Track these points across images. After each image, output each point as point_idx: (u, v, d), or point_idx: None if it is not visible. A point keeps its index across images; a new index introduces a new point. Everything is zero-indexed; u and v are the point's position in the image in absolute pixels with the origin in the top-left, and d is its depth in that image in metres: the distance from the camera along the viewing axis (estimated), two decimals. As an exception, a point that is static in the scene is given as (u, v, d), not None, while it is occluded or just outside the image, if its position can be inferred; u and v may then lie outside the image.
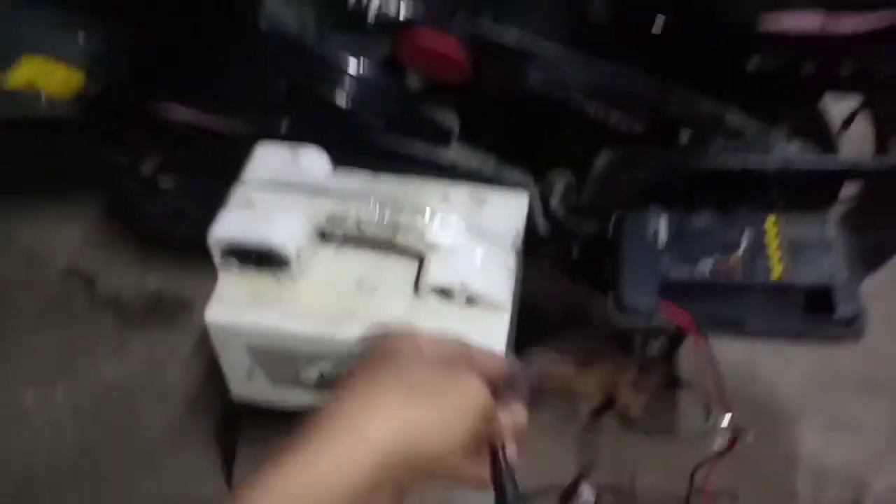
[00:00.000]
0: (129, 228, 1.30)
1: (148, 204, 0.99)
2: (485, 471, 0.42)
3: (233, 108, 0.82)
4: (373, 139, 0.80)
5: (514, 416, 0.44)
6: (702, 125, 0.70)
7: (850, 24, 0.59)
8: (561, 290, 1.04)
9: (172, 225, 1.01)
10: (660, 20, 0.62)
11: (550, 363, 0.43)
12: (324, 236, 0.71)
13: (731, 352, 0.85)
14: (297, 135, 0.77)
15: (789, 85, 0.65)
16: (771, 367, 1.12)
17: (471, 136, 0.82)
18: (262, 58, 0.78)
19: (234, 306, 0.68)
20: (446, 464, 0.38)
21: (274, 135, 0.78)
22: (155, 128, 0.88)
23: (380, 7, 0.71)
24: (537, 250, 0.87)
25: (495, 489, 0.41)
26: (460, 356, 0.43)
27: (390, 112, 0.80)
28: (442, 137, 0.82)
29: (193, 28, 0.79)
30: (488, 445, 0.43)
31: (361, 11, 0.72)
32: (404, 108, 0.81)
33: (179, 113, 0.83)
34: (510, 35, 0.70)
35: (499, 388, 0.43)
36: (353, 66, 0.78)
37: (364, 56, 0.77)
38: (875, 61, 0.61)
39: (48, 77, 0.95)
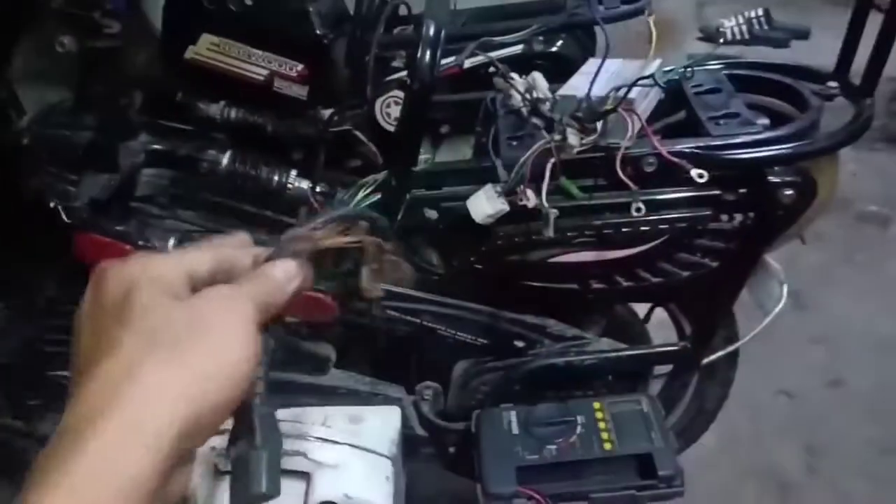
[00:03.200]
0: None
1: None
2: None
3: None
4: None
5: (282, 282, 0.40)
6: (529, 334, 0.87)
7: (616, 254, 0.80)
8: (446, 484, 1.13)
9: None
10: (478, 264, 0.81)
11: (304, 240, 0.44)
12: (218, 470, 0.79)
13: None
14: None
15: (586, 298, 0.84)
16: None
17: (347, 361, 0.96)
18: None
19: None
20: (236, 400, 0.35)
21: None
22: (51, 392, 0.95)
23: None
24: (419, 452, 0.98)
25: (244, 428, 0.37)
26: (208, 273, 0.39)
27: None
28: (321, 366, 0.94)
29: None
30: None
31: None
32: (286, 343, 0.94)
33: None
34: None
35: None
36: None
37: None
38: (638, 278, 0.81)
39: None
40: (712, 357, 0.93)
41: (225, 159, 0.95)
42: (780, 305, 0.91)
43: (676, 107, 0.87)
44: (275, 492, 0.35)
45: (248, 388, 0.36)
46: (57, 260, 0.86)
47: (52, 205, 0.84)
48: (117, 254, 0.84)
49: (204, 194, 0.99)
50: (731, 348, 0.94)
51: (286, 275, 0.40)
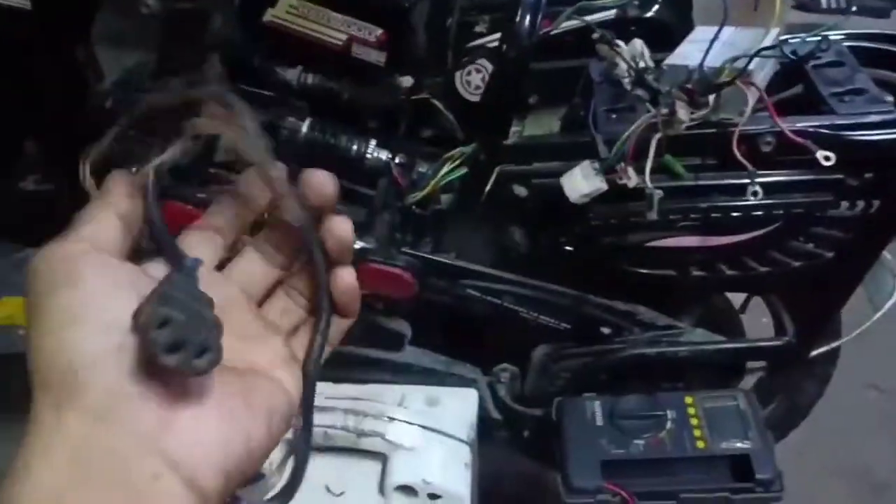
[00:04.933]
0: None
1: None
2: None
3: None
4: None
5: None
6: (617, 321, 0.82)
7: (721, 240, 0.73)
8: (517, 467, 1.10)
9: None
10: (568, 245, 0.76)
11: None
12: (294, 447, 0.77)
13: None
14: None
15: (683, 286, 0.78)
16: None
17: (422, 339, 0.93)
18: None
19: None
20: None
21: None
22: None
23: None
24: (493, 435, 0.95)
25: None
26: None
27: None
28: (396, 342, 0.92)
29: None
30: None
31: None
32: (360, 318, 0.91)
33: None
34: (449, 259, 0.82)
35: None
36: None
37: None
38: (744, 267, 0.75)
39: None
40: (816, 352, 0.86)
41: (304, 127, 0.92)
42: (893, 301, 0.83)
43: (790, 81, 0.80)
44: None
45: None
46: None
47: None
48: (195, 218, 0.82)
49: (282, 161, 0.96)
50: (834, 344, 0.87)
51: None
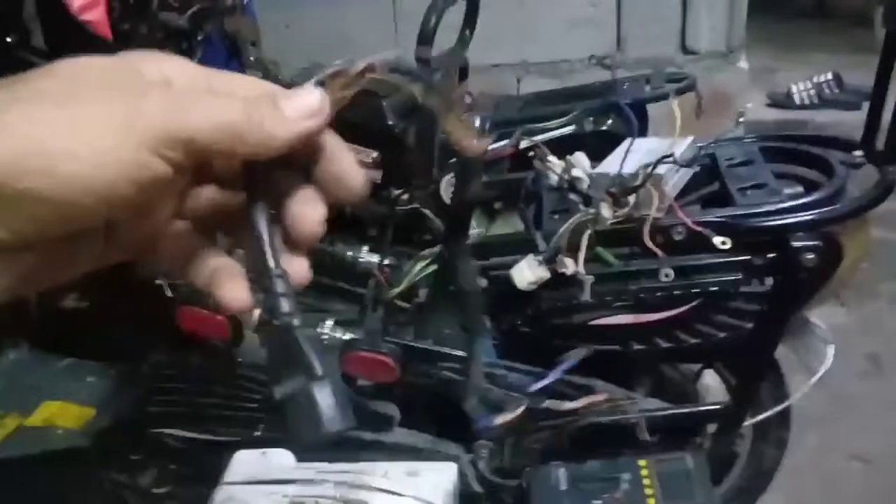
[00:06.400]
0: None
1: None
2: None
3: (217, 423, 1.03)
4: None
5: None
6: (577, 394, 0.93)
7: (654, 317, 0.85)
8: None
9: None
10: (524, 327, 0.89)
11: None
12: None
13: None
14: (271, 438, 0.98)
15: (629, 359, 0.89)
16: None
17: (410, 420, 1.03)
18: (242, 383, 1.01)
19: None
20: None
21: (251, 439, 0.98)
22: (152, 447, 1.07)
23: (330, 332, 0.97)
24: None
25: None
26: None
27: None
28: (385, 424, 1.03)
29: (184, 367, 1.04)
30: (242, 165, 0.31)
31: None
32: (353, 403, 1.03)
33: (173, 434, 1.04)
34: (427, 345, 0.95)
35: None
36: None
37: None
38: (677, 340, 0.87)
39: (64, 415, 1.16)
40: (761, 416, 0.95)
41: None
42: (827, 365, 0.93)
43: (713, 179, 0.94)
44: (351, 422, 0.31)
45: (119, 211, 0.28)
46: (162, 329, 0.99)
47: (157, 280, 0.98)
48: (214, 326, 0.96)
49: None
50: (779, 408, 0.96)
51: (297, 111, 0.29)
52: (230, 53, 1.18)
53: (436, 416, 1.05)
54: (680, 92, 1.14)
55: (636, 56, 2.41)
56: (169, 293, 0.98)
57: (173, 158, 0.28)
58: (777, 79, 2.79)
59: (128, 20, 0.97)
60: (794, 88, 2.75)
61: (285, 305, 0.31)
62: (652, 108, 1.16)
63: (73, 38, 0.87)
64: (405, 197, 1.06)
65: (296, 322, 0.31)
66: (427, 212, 1.07)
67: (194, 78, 0.31)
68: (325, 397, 0.30)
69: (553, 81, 2.36)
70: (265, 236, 0.31)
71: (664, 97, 1.14)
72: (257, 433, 1.02)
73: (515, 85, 2.27)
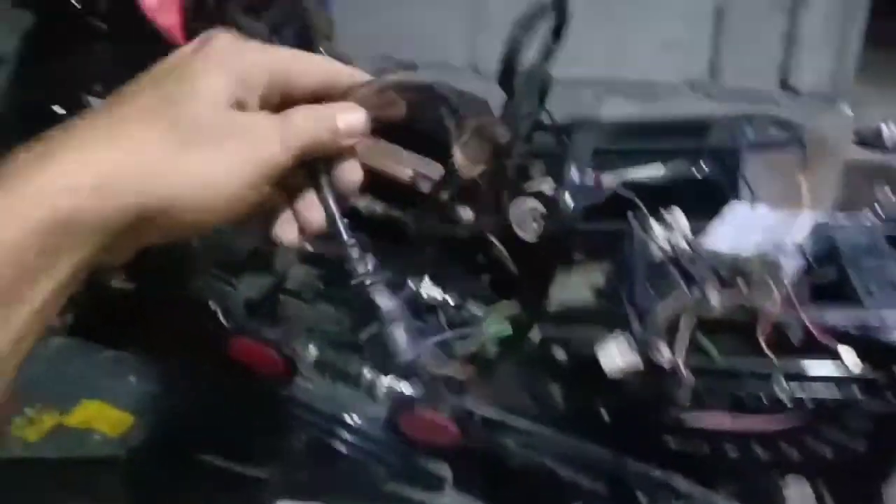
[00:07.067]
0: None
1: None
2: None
3: (261, 458, 0.97)
4: (376, 487, 0.94)
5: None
6: (653, 489, 0.83)
7: (755, 423, 0.75)
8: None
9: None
10: (605, 413, 0.79)
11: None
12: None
13: None
14: (316, 484, 0.91)
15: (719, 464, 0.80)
16: None
17: (462, 483, 0.96)
18: (288, 421, 0.94)
19: None
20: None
21: (295, 483, 0.92)
22: (188, 470, 1.02)
23: (389, 385, 0.89)
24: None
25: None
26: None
27: (391, 462, 0.95)
28: (436, 485, 0.95)
29: (229, 392, 0.98)
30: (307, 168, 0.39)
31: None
32: (404, 458, 0.96)
33: (213, 462, 0.99)
34: (491, 412, 0.87)
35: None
36: (360, 422, 0.94)
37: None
38: (779, 452, 0.76)
39: (103, 419, 1.12)
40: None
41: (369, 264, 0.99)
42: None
43: (827, 261, 0.82)
44: (420, 353, 0.41)
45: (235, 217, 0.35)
46: (213, 357, 0.93)
47: (212, 307, 0.92)
48: (266, 359, 0.90)
49: (344, 292, 1.04)
50: (880, 531, 0.85)
51: (348, 127, 0.38)
52: (302, 47, 1.12)
53: (490, 480, 0.97)
54: (784, 144, 1.03)
55: (731, 86, 2.26)
56: (224, 321, 0.93)
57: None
58: (869, 113, 2.58)
59: (203, 25, 0.91)
60: (884, 128, 2.54)
61: (360, 268, 0.41)
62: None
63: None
64: (470, 217, 0.96)
65: (368, 282, 0.41)
66: (494, 240, 0.97)
67: (273, 70, 0.37)
68: (398, 336, 0.41)
69: (637, 104, 2.23)
70: (337, 216, 0.39)
71: (765, 146, 1.02)
72: (300, 477, 0.95)
73: (594, 105, 2.15)
